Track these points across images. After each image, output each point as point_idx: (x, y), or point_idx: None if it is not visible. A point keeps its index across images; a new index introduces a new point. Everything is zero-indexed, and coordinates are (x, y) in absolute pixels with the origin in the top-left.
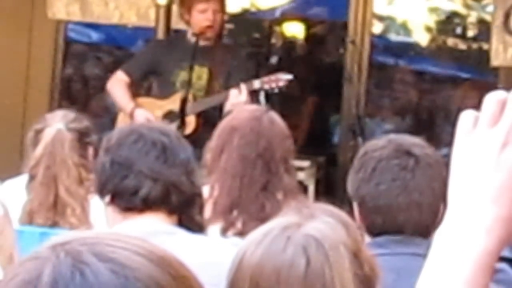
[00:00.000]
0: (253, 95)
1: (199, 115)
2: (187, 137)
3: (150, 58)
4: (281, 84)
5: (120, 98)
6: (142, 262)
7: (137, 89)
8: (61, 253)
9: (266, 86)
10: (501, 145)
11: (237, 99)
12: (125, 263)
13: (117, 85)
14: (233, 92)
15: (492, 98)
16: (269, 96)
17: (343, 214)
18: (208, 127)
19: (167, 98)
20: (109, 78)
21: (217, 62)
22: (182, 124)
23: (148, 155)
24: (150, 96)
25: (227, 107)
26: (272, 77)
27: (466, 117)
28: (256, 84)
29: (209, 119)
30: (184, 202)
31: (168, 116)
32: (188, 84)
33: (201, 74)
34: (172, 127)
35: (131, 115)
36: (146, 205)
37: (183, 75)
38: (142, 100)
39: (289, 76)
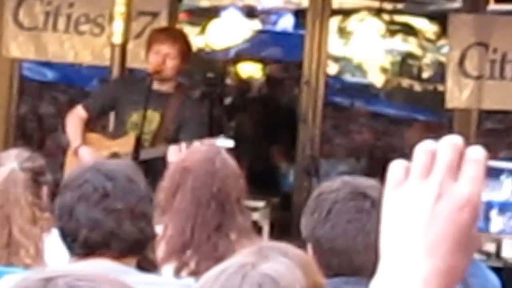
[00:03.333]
0: None
1: (142, 163)
2: None
3: (109, 95)
4: None
5: (70, 133)
6: None
7: (94, 125)
8: (59, 286)
9: None
10: (435, 197)
11: (175, 157)
12: None
13: (73, 119)
14: (172, 148)
15: (422, 149)
16: None
17: (302, 254)
18: (149, 176)
19: (115, 139)
20: (65, 117)
21: (171, 109)
22: None
23: (88, 202)
24: (103, 133)
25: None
26: (212, 141)
27: (396, 168)
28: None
29: (152, 168)
30: (127, 248)
31: (112, 158)
32: (140, 127)
33: (152, 118)
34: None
35: (76, 152)
36: (86, 252)
37: (134, 117)
38: (92, 136)
39: (230, 144)
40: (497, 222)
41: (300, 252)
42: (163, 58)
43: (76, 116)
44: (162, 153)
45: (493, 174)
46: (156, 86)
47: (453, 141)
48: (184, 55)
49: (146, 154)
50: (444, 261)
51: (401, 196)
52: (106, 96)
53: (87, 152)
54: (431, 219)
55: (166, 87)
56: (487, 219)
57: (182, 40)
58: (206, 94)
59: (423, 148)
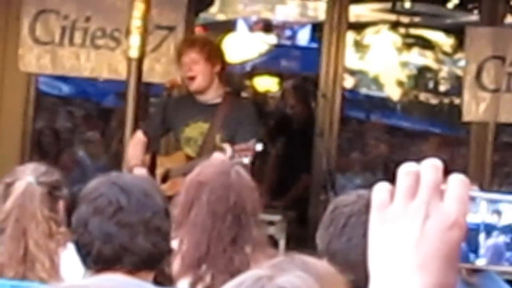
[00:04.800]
0: None
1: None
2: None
3: (161, 115)
4: (249, 154)
5: (129, 153)
6: None
7: (157, 147)
8: None
9: (237, 156)
10: (423, 217)
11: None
12: None
13: (133, 141)
14: (216, 154)
15: (405, 171)
16: None
17: (323, 268)
18: None
19: (168, 156)
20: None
21: (217, 119)
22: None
23: (102, 215)
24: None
25: None
26: (244, 146)
27: (380, 191)
28: (228, 152)
29: None
30: (140, 263)
31: (166, 174)
32: (194, 140)
33: (202, 130)
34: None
35: (130, 171)
36: (99, 265)
37: (187, 131)
38: (149, 156)
39: (259, 148)
40: None
41: (322, 265)
42: (189, 66)
43: (136, 139)
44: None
45: None
46: (201, 98)
47: (434, 162)
48: (208, 55)
49: (188, 166)
50: (436, 277)
51: (388, 218)
52: (159, 116)
53: (140, 172)
54: (421, 238)
55: (211, 97)
56: None
57: (200, 41)
58: None
59: (407, 170)
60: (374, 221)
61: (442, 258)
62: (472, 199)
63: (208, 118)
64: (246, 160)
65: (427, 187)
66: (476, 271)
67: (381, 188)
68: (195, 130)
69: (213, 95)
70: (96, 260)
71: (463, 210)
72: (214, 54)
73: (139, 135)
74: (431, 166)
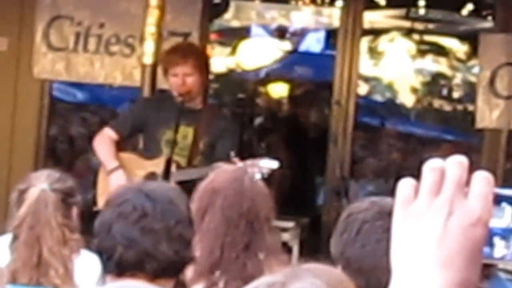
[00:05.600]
0: None
1: (180, 184)
2: None
3: (138, 115)
4: (264, 171)
5: (103, 155)
6: None
7: (124, 145)
8: None
9: (249, 170)
10: (447, 214)
11: None
12: None
13: (103, 141)
14: (221, 165)
15: (431, 167)
16: None
17: (336, 275)
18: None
19: (151, 159)
20: (95, 136)
21: (203, 122)
22: None
23: (126, 220)
24: (136, 152)
25: None
26: (256, 161)
27: (405, 186)
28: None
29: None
30: (161, 270)
31: (149, 178)
32: (173, 143)
33: (186, 133)
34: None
35: (109, 174)
36: (120, 270)
37: (168, 134)
38: (126, 156)
39: (275, 166)
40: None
41: (335, 273)
42: (182, 78)
43: (106, 138)
44: (203, 173)
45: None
46: (185, 104)
47: (460, 159)
48: (200, 67)
49: (185, 175)
50: (458, 274)
51: (411, 214)
52: (135, 116)
53: (119, 178)
54: (444, 234)
55: (194, 104)
56: None
57: (193, 54)
58: (237, 115)
59: (432, 166)
60: (398, 216)
61: (465, 255)
62: (498, 203)
63: (191, 122)
64: (258, 176)
65: (452, 184)
66: (487, 276)
67: (405, 184)
68: (178, 133)
69: (197, 102)
70: (118, 265)
71: (487, 207)
72: (206, 66)
73: (109, 133)
74: (457, 162)
